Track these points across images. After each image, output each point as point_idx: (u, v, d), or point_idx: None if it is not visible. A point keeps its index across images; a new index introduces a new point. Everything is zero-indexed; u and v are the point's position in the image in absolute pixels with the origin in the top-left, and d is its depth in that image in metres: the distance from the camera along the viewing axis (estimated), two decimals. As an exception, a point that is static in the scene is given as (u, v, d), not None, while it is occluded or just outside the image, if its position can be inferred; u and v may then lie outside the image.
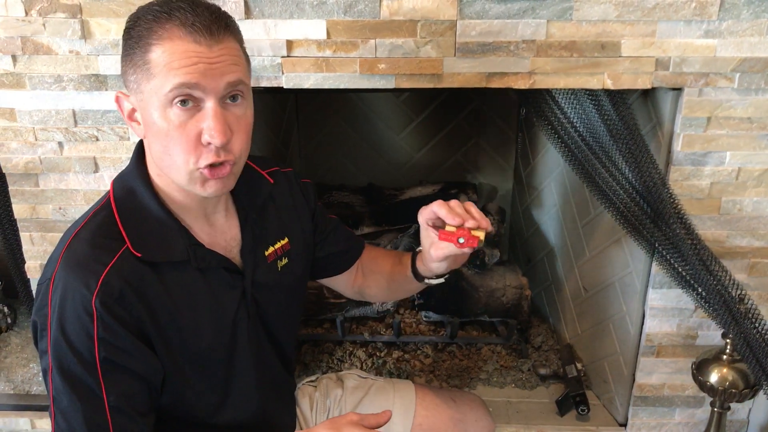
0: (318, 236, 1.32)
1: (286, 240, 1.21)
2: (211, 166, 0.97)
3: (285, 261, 1.21)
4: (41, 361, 1.00)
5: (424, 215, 1.13)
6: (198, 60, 0.92)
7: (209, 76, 0.92)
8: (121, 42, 0.99)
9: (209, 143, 0.95)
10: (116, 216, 1.02)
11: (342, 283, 1.40)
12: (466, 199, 2.23)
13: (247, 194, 1.16)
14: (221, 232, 1.12)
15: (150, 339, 1.01)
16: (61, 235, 1.06)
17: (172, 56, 0.91)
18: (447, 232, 1.08)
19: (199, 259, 1.05)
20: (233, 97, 0.97)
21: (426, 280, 1.24)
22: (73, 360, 0.95)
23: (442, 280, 1.23)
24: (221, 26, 0.94)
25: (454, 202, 1.09)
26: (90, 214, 1.03)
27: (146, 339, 1.00)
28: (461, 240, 1.06)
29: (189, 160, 0.96)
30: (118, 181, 1.07)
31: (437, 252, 1.11)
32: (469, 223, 1.06)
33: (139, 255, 0.99)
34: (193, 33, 0.91)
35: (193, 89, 0.93)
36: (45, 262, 1.03)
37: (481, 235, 1.07)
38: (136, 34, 0.94)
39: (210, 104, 0.94)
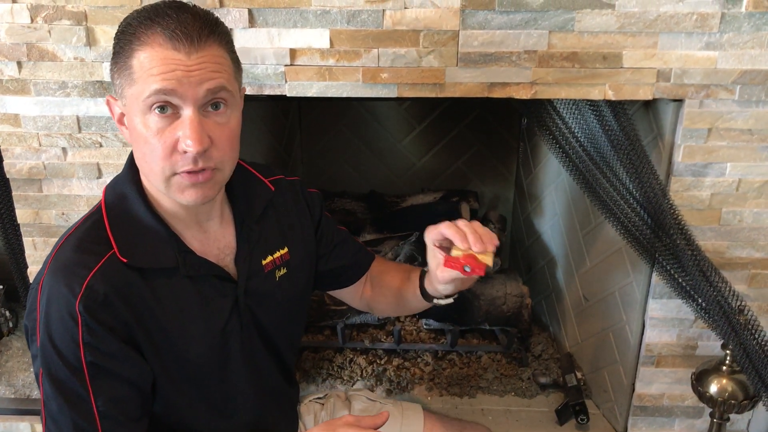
0: (323, 248, 1.30)
1: (286, 250, 1.20)
2: (189, 172, 0.96)
3: (284, 271, 1.19)
4: (33, 365, 1.00)
5: (431, 235, 1.10)
6: (175, 67, 0.91)
7: (186, 83, 0.92)
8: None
9: (185, 151, 0.94)
10: (105, 221, 1.01)
11: (349, 295, 1.39)
12: (467, 207, 2.24)
13: (246, 201, 1.15)
14: (215, 240, 1.10)
15: (138, 344, 1.00)
16: None
17: (151, 62, 0.91)
18: (453, 259, 1.05)
19: (189, 266, 1.04)
20: (215, 105, 0.96)
21: (434, 300, 1.21)
22: (60, 365, 0.95)
23: (450, 300, 1.19)
24: (204, 33, 0.93)
25: (462, 223, 1.07)
26: (81, 220, 1.03)
27: (134, 344, 1.00)
28: (467, 268, 1.03)
29: (165, 167, 0.95)
30: (110, 187, 1.07)
31: (443, 274, 1.09)
32: (477, 248, 1.03)
33: (126, 260, 0.99)
34: (172, 40, 0.91)
35: (170, 96, 0.92)
36: (46, 267, 1.03)
37: (489, 260, 1.03)
38: (124, 39, 0.94)
39: (187, 112, 0.94)
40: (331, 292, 1.40)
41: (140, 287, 1.00)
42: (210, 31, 0.94)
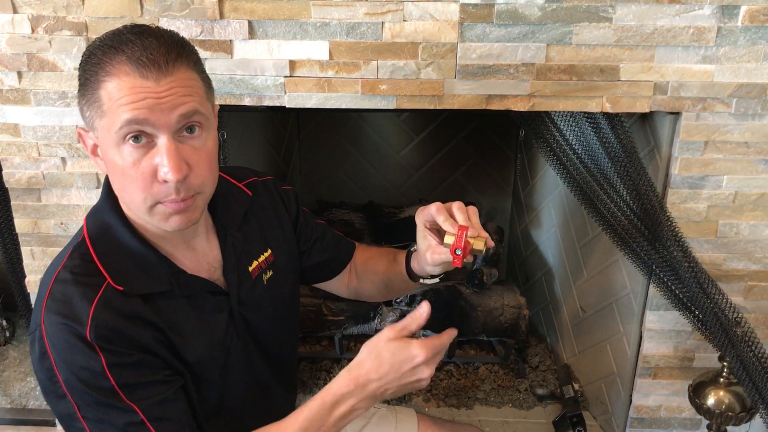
0: (304, 245, 1.29)
1: (269, 252, 1.19)
2: (172, 201, 0.94)
3: (270, 274, 1.18)
4: (60, 408, 0.98)
5: (422, 216, 1.09)
6: (145, 95, 0.88)
7: (158, 110, 0.89)
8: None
9: (165, 180, 0.92)
10: (92, 253, 0.99)
11: (335, 286, 1.39)
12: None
13: (225, 211, 1.13)
14: (203, 255, 1.10)
15: (154, 353, 1.00)
16: (60, 250, 1.05)
17: (120, 93, 0.88)
18: (444, 245, 1.04)
19: (183, 286, 1.04)
20: (190, 129, 0.93)
21: (421, 280, 1.20)
22: (94, 395, 0.94)
23: (436, 280, 1.18)
24: (171, 58, 0.90)
25: (456, 206, 1.04)
26: (66, 256, 1.00)
27: (151, 353, 0.99)
28: (458, 251, 1.01)
29: (146, 198, 0.94)
30: (90, 218, 1.04)
31: (433, 257, 1.07)
32: (469, 232, 1.00)
33: (122, 289, 0.97)
34: (140, 68, 0.88)
35: (142, 125, 0.90)
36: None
37: (480, 245, 1.00)
38: (89, 70, 0.91)
39: (162, 140, 0.91)
40: (316, 285, 1.39)
41: (143, 309, 0.99)
42: (177, 54, 0.91)
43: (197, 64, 0.96)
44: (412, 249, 1.20)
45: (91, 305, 0.94)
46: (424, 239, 1.10)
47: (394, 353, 0.96)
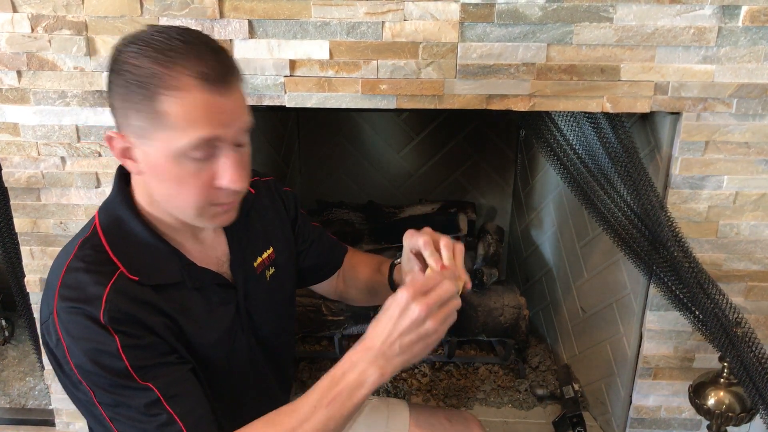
0: (301, 245, 1.31)
1: (271, 249, 1.21)
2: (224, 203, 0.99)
3: (272, 270, 1.20)
4: (78, 397, 0.99)
5: (410, 242, 1.11)
6: (219, 112, 0.90)
7: (227, 125, 0.91)
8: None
9: (226, 188, 0.95)
10: (105, 245, 1.00)
11: (325, 289, 1.41)
12: (465, 218, 2.23)
13: None
14: (211, 249, 1.12)
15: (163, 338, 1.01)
16: (60, 249, 1.05)
17: (189, 109, 0.89)
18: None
19: (193, 278, 1.05)
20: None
21: None
22: (110, 377, 0.94)
23: None
24: (230, 70, 0.92)
25: (443, 242, 1.06)
26: (76, 246, 1.01)
27: (160, 338, 1.00)
28: None
29: (202, 203, 0.96)
30: (103, 211, 1.06)
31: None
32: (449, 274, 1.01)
33: (136, 279, 0.99)
34: (207, 83, 0.89)
35: (212, 141, 0.92)
36: (45, 276, 1.03)
37: (459, 285, 1.01)
38: (137, 78, 0.89)
39: (228, 152, 0.94)
40: (306, 287, 1.41)
41: (154, 298, 1.00)
42: (231, 64, 0.93)
43: (241, 73, 0.97)
44: (396, 261, 1.23)
45: (104, 290, 0.95)
46: (408, 262, 1.14)
47: (386, 308, 0.95)
